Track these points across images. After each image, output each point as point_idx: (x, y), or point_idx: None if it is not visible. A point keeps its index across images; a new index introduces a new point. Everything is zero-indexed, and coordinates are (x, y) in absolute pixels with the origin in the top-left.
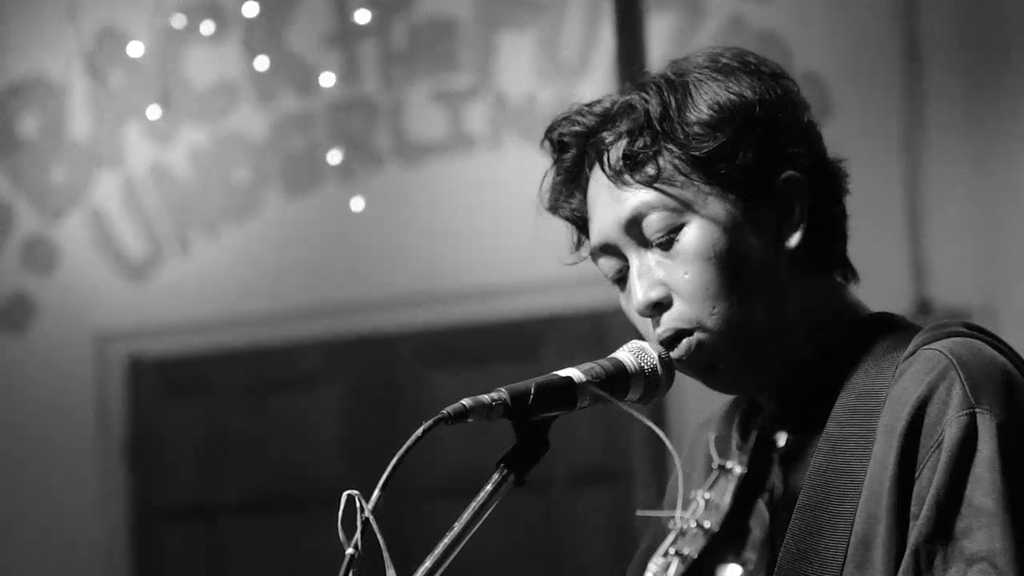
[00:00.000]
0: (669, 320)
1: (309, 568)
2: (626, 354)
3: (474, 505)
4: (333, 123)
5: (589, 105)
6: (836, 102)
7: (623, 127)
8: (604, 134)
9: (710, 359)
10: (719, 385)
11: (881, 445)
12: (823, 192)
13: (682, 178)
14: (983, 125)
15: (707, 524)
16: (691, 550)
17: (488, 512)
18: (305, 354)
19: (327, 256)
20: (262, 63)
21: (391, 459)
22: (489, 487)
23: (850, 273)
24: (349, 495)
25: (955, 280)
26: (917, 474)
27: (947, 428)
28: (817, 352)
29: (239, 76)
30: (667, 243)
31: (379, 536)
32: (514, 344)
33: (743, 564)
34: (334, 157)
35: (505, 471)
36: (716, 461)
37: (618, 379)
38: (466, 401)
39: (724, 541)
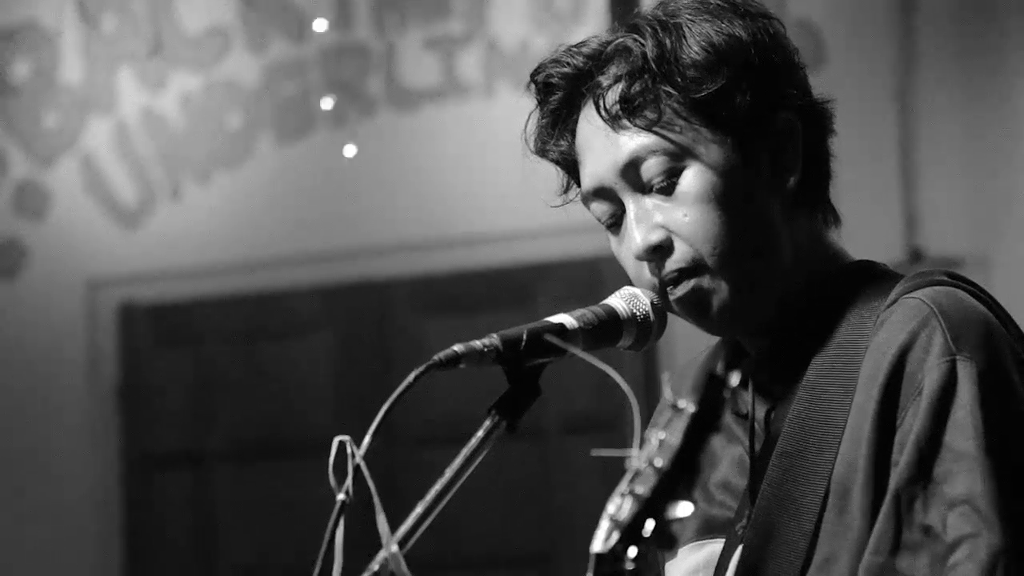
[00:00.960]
0: (671, 263)
1: (298, 514)
2: (618, 301)
3: (465, 451)
4: (325, 69)
5: (577, 46)
6: (830, 50)
7: (619, 70)
8: (599, 77)
9: (709, 299)
10: (714, 326)
11: (862, 394)
12: (814, 133)
13: (681, 122)
14: (976, 75)
15: (658, 463)
16: (643, 489)
17: (479, 458)
18: (296, 301)
19: (319, 203)
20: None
21: (382, 406)
22: (481, 433)
23: (832, 216)
24: (340, 441)
25: (947, 229)
26: (898, 422)
27: (928, 375)
28: (805, 298)
29: (231, 22)
30: (667, 187)
31: (370, 482)
32: (507, 291)
33: (693, 501)
34: (326, 103)
35: (497, 417)
36: (669, 400)
37: (610, 325)
38: (458, 347)
39: (675, 479)
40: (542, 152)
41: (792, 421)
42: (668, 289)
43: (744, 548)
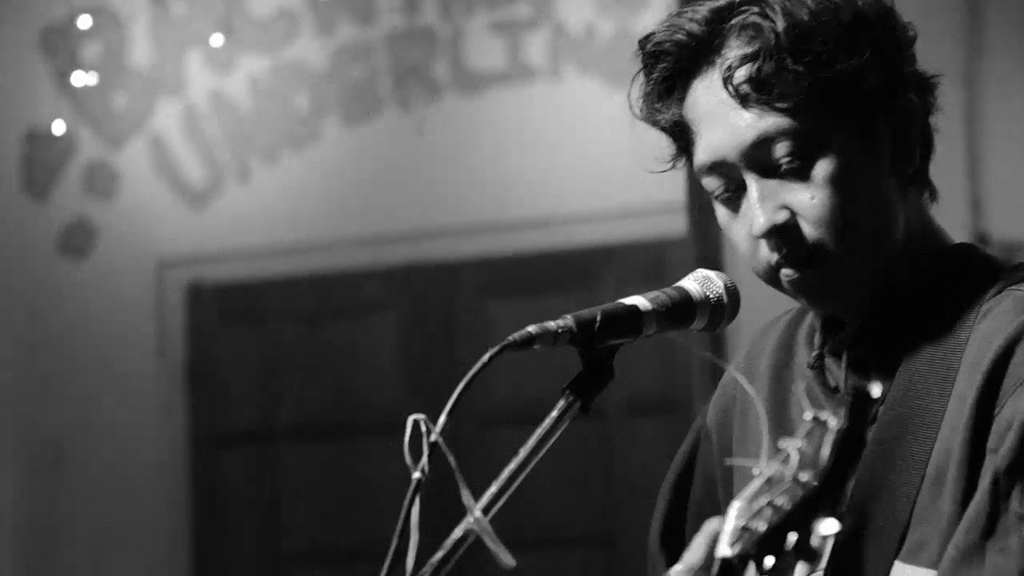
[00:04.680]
0: (791, 243)
1: (362, 493)
2: (692, 283)
3: (539, 431)
4: (392, 53)
5: (692, 13)
6: None
7: (749, 46)
8: (725, 51)
9: (825, 282)
10: (824, 307)
11: (963, 381)
12: (925, 112)
13: (812, 103)
14: None
15: (803, 477)
16: (784, 501)
17: (553, 439)
18: (363, 282)
19: (385, 185)
20: None
21: (450, 386)
22: (555, 413)
23: (932, 193)
24: (415, 419)
25: (1012, 213)
26: (996, 411)
27: None
28: (909, 277)
29: (299, 5)
30: (795, 169)
31: (450, 457)
32: (572, 274)
33: (839, 519)
34: (393, 87)
35: (571, 398)
36: (810, 413)
37: (683, 308)
38: (532, 328)
39: (822, 495)
40: (652, 119)
41: (889, 407)
42: (783, 271)
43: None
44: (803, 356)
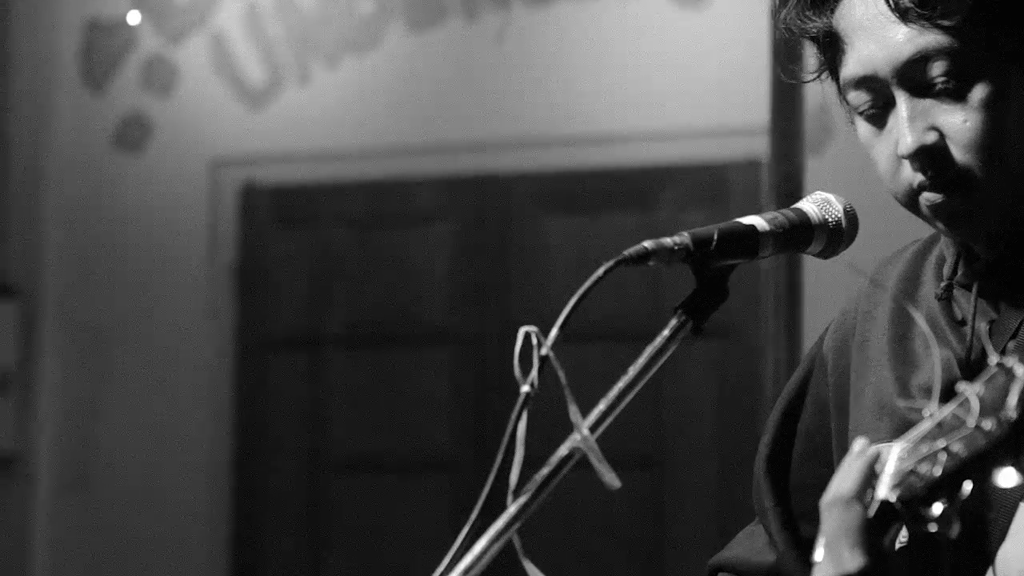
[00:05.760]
0: (938, 166)
1: (409, 403)
2: (810, 205)
3: (650, 350)
4: None
5: None
6: None
7: None
8: None
9: (968, 210)
10: (961, 234)
11: None
12: None
13: (975, 24)
14: None
15: (986, 425)
16: (961, 448)
17: (664, 358)
18: (419, 191)
19: (445, 94)
20: None
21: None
22: (667, 332)
23: None
24: (527, 331)
25: None
26: None
27: None
28: None
29: None
30: (951, 90)
31: (560, 373)
32: (629, 193)
33: (1021, 470)
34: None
35: (683, 317)
36: (995, 357)
37: (801, 230)
38: (648, 243)
39: (1002, 444)
40: (799, 26)
41: (1021, 344)
42: (925, 194)
43: None
44: (930, 287)
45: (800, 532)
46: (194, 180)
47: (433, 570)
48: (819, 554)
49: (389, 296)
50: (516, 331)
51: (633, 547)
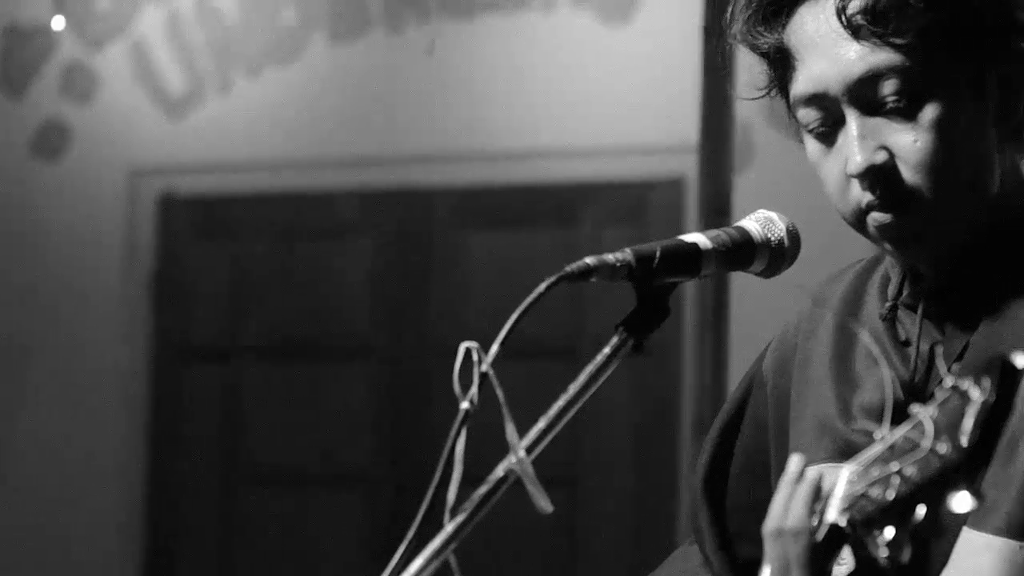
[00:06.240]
0: (889, 186)
1: (324, 416)
2: (753, 224)
3: (591, 368)
4: None
5: None
6: None
7: None
8: None
9: (915, 231)
10: (907, 256)
11: None
12: None
13: (927, 43)
14: None
15: (941, 449)
16: (914, 471)
17: (604, 376)
18: (338, 204)
19: (367, 107)
20: None
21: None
22: (608, 350)
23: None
24: (467, 348)
25: None
26: None
27: None
28: (996, 235)
29: None
30: (901, 109)
31: (499, 391)
32: (551, 209)
33: (977, 496)
34: (382, 7)
35: (624, 335)
36: (950, 380)
37: (744, 249)
38: (590, 259)
39: (958, 468)
40: (751, 41)
41: (967, 364)
42: (873, 214)
43: None
44: (873, 307)
45: (736, 552)
46: (112, 189)
47: None
48: None
49: (306, 309)
50: (434, 346)
51: (547, 563)
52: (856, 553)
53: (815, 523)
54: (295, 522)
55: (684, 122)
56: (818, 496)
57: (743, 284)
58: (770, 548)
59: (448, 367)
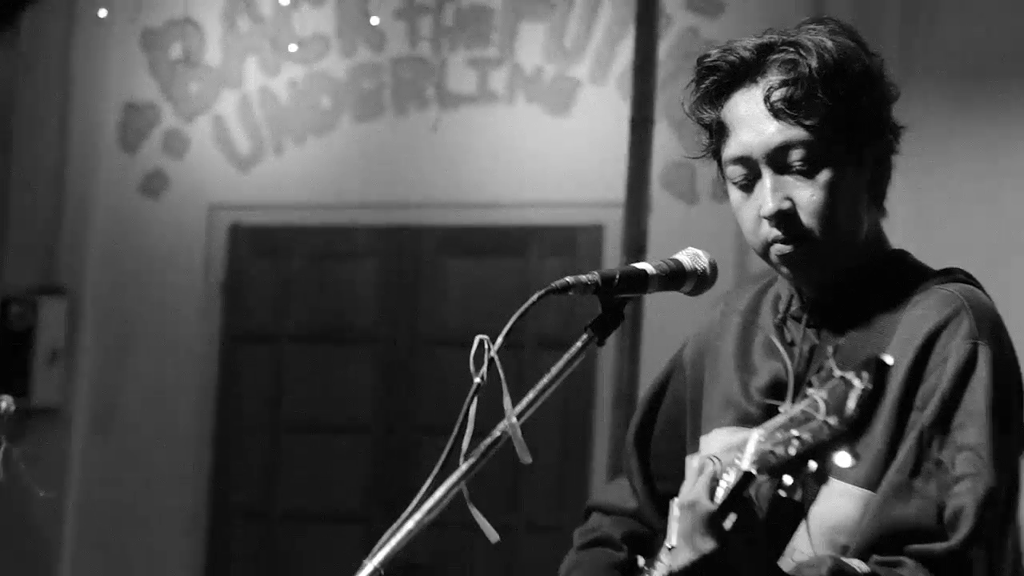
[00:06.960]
0: (790, 226)
1: (341, 383)
2: (685, 257)
3: (566, 357)
4: (394, 73)
5: (742, 44)
6: None
7: (787, 74)
8: (769, 75)
9: (807, 260)
10: (800, 279)
11: (896, 351)
12: (894, 150)
13: (829, 125)
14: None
15: (832, 421)
16: (809, 436)
17: (574, 366)
18: (355, 235)
19: (379, 166)
20: (349, 24)
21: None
22: (579, 344)
23: (884, 209)
24: (480, 339)
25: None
26: (925, 377)
27: (955, 350)
28: (862, 270)
29: (330, 32)
30: (804, 172)
31: (500, 371)
32: (507, 245)
33: (855, 456)
34: (392, 98)
35: (591, 334)
36: (839, 372)
37: (678, 275)
38: (569, 279)
39: (842, 436)
40: (697, 115)
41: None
42: (777, 245)
43: None
44: (767, 316)
45: (655, 487)
46: (196, 221)
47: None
48: (674, 540)
49: (331, 308)
50: (421, 336)
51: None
52: (758, 493)
53: (730, 476)
54: (321, 457)
55: (608, 184)
56: (715, 483)
57: (655, 298)
58: (682, 519)
59: (431, 353)
